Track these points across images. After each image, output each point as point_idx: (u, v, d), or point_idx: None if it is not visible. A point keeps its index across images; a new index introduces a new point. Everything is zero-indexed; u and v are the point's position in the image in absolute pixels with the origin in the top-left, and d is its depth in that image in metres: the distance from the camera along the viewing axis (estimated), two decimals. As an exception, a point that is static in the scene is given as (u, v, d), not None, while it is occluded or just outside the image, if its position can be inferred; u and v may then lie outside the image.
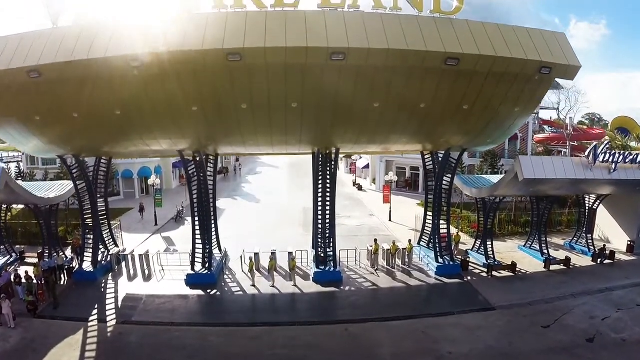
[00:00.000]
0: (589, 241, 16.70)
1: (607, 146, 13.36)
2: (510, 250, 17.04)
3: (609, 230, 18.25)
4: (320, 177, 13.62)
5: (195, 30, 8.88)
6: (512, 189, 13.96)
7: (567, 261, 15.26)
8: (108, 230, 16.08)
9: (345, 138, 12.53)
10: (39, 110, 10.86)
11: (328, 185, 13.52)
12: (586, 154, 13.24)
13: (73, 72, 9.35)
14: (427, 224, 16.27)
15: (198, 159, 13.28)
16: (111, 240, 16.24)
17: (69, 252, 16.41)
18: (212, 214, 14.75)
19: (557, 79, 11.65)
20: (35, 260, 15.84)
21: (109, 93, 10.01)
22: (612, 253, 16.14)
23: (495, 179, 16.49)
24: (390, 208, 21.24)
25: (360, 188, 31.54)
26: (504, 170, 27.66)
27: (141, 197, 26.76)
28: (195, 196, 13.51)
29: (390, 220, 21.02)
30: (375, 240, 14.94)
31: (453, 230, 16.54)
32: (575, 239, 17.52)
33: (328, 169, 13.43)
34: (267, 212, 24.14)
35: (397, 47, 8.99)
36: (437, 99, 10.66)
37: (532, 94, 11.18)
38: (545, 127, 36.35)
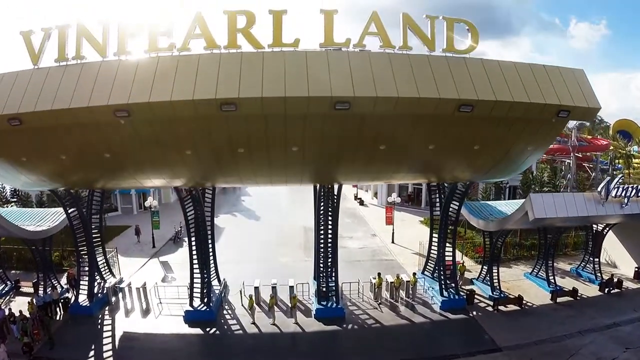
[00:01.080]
0: (595, 266, 16.39)
1: (620, 181, 12.88)
2: (516, 279, 16.71)
3: (616, 254, 17.91)
4: (322, 211, 13.15)
5: (185, 76, 8.25)
6: (520, 224, 13.57)
7: (573, 292, 14.95)
8: (104, 260, 15.68)
9: (349, 177, 12.07)
10: (24, 152, 10.35)
11: (330, 220, 13.07)
12: (599, 189, 12.81)
13: (55, 120, 8.79)
14: (432, 252, 15.89)
15: (194, 193, 12.80)
16: (107, 269, 15.86)
17: (64, 279, 16.07)
18: (209, 244, 14.34)
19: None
20: (31, 290, 15.56)
21: (96, 139, 9.47)
22: (620, 282, 15.83)
23: (501, 206, 16.08)
24: (393, 229, 20.85)
25: (361, 202, 31.03)
26: (508, 187, 27.21)
27: (139, 213, 26.28)
28: (192, 233, 13.06)
29: (393, 242, 20.66)
30: (379, 274, 14.57)
31: (458, 256, 16.14)
32: (583, 263, 17.19)
33: (330, 203, 12.96)
34: (267, 231, 23.64)
35: (407, 95, 8.41)
36: (447, 141, 10.14)
37: (546, 134, 10.67)
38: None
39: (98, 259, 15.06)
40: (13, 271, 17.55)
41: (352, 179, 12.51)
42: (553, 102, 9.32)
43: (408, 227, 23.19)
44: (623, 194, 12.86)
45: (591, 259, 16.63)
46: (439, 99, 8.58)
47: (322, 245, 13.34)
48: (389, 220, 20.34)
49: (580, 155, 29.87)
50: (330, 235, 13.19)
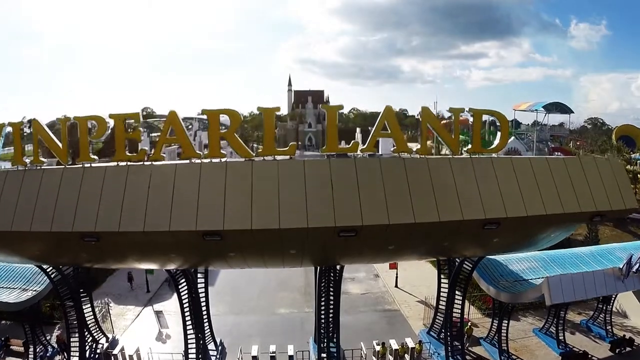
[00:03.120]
0: (607, 318, 15.81)
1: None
2: (525, 336, 16.10)
3: (627, 304, 17.29)
4: (323, 290, 12.17)
5: (159, 197, 6.94)
6: (534, 300, 12.72)
7: (584, 356, 14.41)
8: (93, 319, 14.94)
9: (354, 263, 10.96)
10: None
11: (332, 298, 12.15)
12: (620, 266, 11.88)
13: (19, 237, 7.61)
14: (440, 308, 15.09)
15: (188, 274, 11.75)
16: (97, 328, 15.15)
17: (54, 337, 15.42)
18: (204, 309, 13.55)
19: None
20: (21, 349, 14.96)
21: (67, 249, 8.32)
22: (631, 340, 15.29)
23: (513, 264, 15.10)
24: (396, 273, 20.06)
25: None
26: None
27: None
28: (186, 310, 12.17)
29: (396, 285, 19.94)
30: (383, 344, 13.92)
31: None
32: (596, 314, 16.55)
33: (332, 281, 11.96)
34: (264, 274, 22.32)
35: (425, 220, 7.16)
36: (464, 239, 9.00)
37: (574, 224, 9.52)
38: (556, 153, 34.30)
39: (87, 315, 14.17)
40: (3, 321, 16.92)
41: (357, 264, 11.45)
42: (589, 209, 8.10)
43: (412, 265, 22.30)
44: (647, 269, 11.93)
45: (602, 307, 16.03)
46: (461, 221, 7.35)
47: (323, 323, 12.51)
48: (393, 265, 19.54)
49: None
50: (331, 312, 12.33)
